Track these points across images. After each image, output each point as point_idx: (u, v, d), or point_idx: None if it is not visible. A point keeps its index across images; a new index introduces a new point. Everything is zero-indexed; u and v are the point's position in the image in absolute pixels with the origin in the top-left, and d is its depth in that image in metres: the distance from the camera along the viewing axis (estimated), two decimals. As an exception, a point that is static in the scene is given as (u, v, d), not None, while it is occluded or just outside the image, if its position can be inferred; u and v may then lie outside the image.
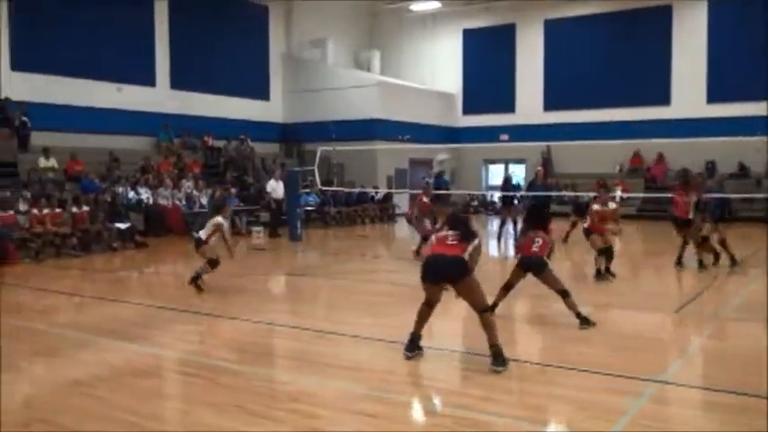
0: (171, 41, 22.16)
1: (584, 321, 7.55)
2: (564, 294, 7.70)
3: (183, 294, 10.16)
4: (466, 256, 6.30)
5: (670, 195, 12.88)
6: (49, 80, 18.69)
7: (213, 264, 9.86)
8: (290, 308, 9.41)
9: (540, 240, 7.81)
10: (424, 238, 13.06)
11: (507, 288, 8.13)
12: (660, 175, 24.33)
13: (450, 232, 6.46)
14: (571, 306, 7.66)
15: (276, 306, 9.62)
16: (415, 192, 20.04)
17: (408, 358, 6.33)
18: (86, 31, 19.60)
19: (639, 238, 18.39)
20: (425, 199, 13.59)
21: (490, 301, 7.76)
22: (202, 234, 10.12)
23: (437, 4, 28.40)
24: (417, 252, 12.53)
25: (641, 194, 23.02)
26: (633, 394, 5.37)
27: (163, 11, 21.99)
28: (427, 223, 13.42)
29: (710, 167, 23.95)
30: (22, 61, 18.09)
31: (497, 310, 7.83)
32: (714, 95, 23.88)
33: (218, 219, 10.12)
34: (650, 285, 11.67)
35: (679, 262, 12.29)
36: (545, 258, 7.76)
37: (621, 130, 23.62)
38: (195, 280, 9.84)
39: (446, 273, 6.27)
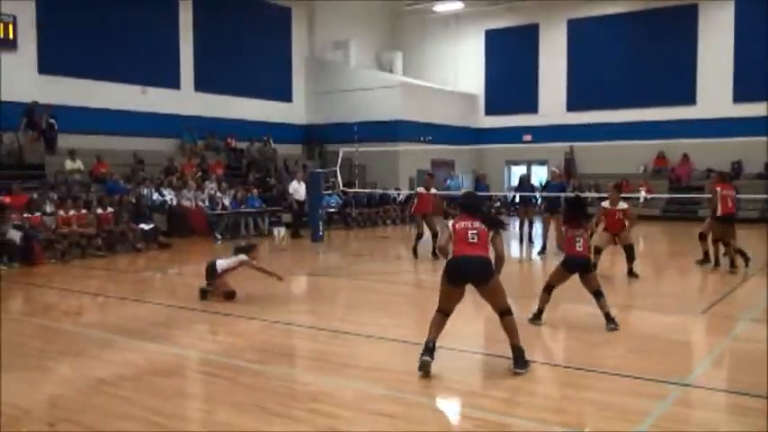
0: (195, 44, 22.36)
1: (612, 322, 7.46)
2: (598, 295, 7.60)
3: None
4: (491, 252, 6.10)
5: (711, 191, 12.10)
6: (76, 83, 18.94)
7: (230, 296, 9.29)
8: (311, 308, 9.43)
9: (581, 239, 7.68)
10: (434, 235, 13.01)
11: (549, 290, 7.88)
12: (685, 175, 24.05)
13: (471, 224, 6.12)
14: (603, 306, 7.56)
15: (297, 306, 9.65)
16: (437, 193, 20.02)
17: (425, 364, 5.82)
18: (112, 34, 19.84)
19: (664, 239, 18.20)
20: (421, 190, 13.51)
21: (533, 307, 7.78)
22: (221, 265, 9.47)
23: (460, 5, 28.33)
24: (434, 252, 12.29)
25: (666, 195, 22.77)
26: (657, 397, 5.31)
27: (187, 14, 22.19)
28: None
29: (736, 168, 23.65)
30: (48, 65, 18.36)
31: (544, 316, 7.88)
32: (740, 95, 23.55)
33: (245, 257, 9.55)
34: (675, 287, 11.54)
35: (717, 263, 11.82)
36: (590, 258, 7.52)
37: (646, 131, 23.39)
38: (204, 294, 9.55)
39: (471, 275, 6.05)
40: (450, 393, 5.64)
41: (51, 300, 10.34)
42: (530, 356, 6.09)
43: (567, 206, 8.60)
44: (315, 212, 17.70)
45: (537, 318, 7.86)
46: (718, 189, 11.68)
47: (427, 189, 14.15)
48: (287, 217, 19.27)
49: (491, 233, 6.17)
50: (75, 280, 11.82)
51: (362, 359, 6.52)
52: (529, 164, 28.25)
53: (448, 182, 25.08)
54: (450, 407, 5.41)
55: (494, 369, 6.26)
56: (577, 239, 7.69)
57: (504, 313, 6.14)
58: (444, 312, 6.24)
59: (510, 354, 6.02)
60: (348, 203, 21.97)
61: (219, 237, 17.43)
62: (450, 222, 6.39)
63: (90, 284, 11.56)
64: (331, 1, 26.72)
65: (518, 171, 28.97)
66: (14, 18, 17.54)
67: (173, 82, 21.85)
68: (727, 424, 4.91)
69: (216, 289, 9.40)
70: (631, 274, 11.02)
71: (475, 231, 6.10)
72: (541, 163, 27.79)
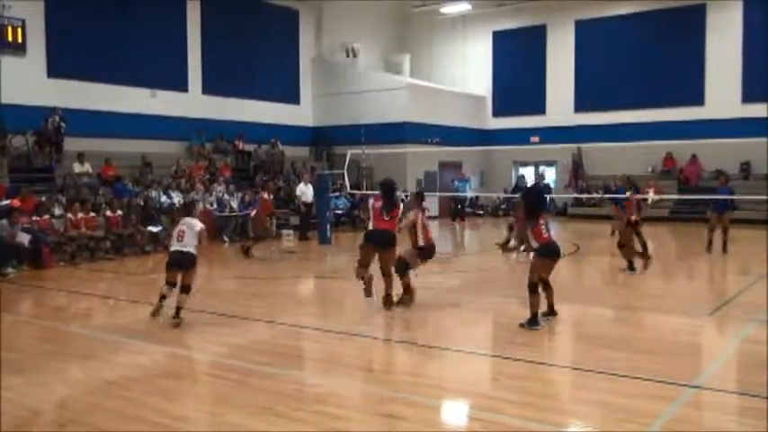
0: (203, 47, 22.40)
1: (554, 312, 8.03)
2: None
3: (213, 297, 10.28)
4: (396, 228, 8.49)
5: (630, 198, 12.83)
6: (84, 86, 19.00)
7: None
8: (319, 310, 9.44)
9: (545, 227, 7.81)
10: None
11: (535, 288, 7.79)
12: (694, 176, 23.94)
13: (382, 204, 8.76)
14: (550, 296, 7.98)
15: (304, 308, 9.66)
16: (446, 194, 20.08)
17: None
18: (120, 37, 19.90)
19: (673, 240, 18.11)
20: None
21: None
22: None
23: (467, 7, 28.29)
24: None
25: (674, 196, 22.67)
26: (667, 399, 5.29)
27: (195, 17, 22.24)
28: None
29: (745, 168, 23.54)
30: (57, 68, 18.43)
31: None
32: (749, 95, 23.40)
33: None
34: (683, 288, 11.50)
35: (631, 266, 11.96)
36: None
37: (653, 131, 23.27)
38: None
39: (379, 242, 8.61)
40: (458, 395, 5.63)
41: (60, 302, 10.39)
42: (537, 358, 6.07)
43: (527, 197, 8.33)
44: (323, 215, 17.71)
45: (534, 322, 7.63)
46: (630, 195, 12.73)
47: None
48: (295, 219, 19.28)
49: (401, 212, 8.68)
50: (83, 282, 11.86)
51: (370, 361, 6.52)
52: (537, 165, 28.20)
53: (456, 183, 25.07)
54: (458, 408, 5.40)
55: (501, 370, 6.25)
56: (544, 227, 7.76)
57: (385, 275, 8.70)
58: (365, 265, 8.77)
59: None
60: (356, 205, 21.97)
61: (227, 239, 17.46)
62: (371, 202, 9.01)
63: (99, 287, 11.61)
64: (339, 2, 26.74)
65: (526, 172, 29.00)
66: (23, 22, 17.62)
67: (181, 85, 21.90)
68: (738, 426, 4.88)
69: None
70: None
71: (389, 212, 8.63)
72: (549, 164, 27.73)
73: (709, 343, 7.54)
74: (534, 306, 7.63)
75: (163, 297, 8.30)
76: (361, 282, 8.81)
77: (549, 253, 7.79)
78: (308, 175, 19.49)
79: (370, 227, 9.00)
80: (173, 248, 8.42)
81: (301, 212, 18.59)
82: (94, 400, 5.48)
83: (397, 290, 8.95)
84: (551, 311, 8.00)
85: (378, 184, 9.84)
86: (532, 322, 7.60)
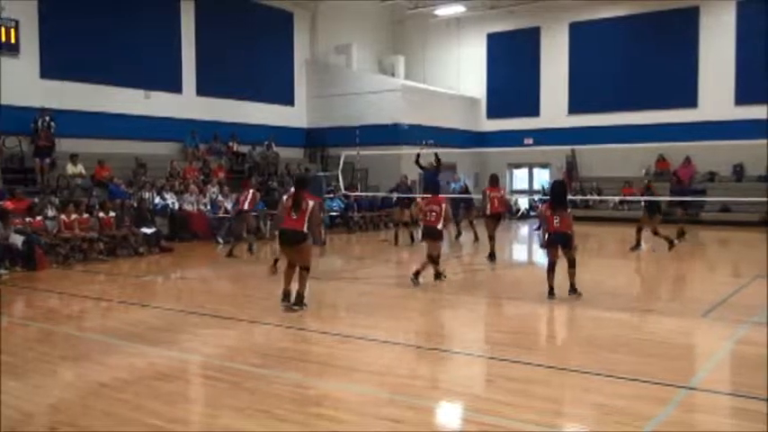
0: (197, 48, 22.36)
1: (574, 291, 9.35)
2: (572, 264, 9.34)
3: (208, 299, 10.25)
4: (306, 225, 8.50)
5: (482, 193, 14.53)
6: (78, 87, 18.93)
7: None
8: (314, 312, 9.41)
9: (558, 218, 9.20)
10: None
11: (552, 267, 9.43)
12: (687, 178, 24.01)
13: (293, 201, 8.71)
14: (571, 275, 9.33)
15: (299, 310, 9.63)
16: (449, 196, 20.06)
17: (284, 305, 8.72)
18: (114, 38, 19.84)
19: (666, 241, 18.10)
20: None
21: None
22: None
23: (461, 9, 28.33)
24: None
25: (667, 198, 22.70)
26: (660, 400, 5.30)
27: (189, 18, 22.20)
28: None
29: (739, 170, 23.64)
30: (50, 69, 18.35)
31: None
32: (742, 97, 23.50)
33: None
34: (677, 289, 11.53)
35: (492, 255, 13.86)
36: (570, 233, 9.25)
37: (647, 133, 23.32)
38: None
39: (288, 241, 8.75)
40: (455, 397, 5.63)
41: (53, 304, 10.34)
42: (533, 360, 6.07)
43: (554, 190, 9.75)
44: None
45: (572, 290, 9.40)
46: (488, 192, 14.08)
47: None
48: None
49: (310, 209, 8.57)
50: (77, 284, 11.81)
51: (367, 363, 6.50)
52: (531, 167, 28.24)
53: (452, 185, 25.06)
54: (455, 411, 5.40)
55: (497, 372, 6.25)
56: (556, 218, 9.22)
57: (303, 269, 8.78)
58: (291, 265, 8.88)
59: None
60: (350, 207, 21.96)
61: (221, 240, 17.43)
62: (284, 198, 9.19)
63: (92, 289, 11.55)
64: (333, 4, 26.74)
65: (520, 174, 29.07)
66: (17, 23, 17.55)
67: (175, 86, 21.85)
68: (731, 427, 4.90)
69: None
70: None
71: (296, 210, 8.58)
72: (543, 166, 27.79)
73: (703, 344, 7.55)
74: (550, 280, 9.44)
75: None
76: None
77: (551, 241, 9.37)
78: (302, 177, 19.43)
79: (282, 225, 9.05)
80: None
81: None
82: (87, 403, 5.45)
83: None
84: (572, 289, 9.41)
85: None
86: (549, 294, 9.41)
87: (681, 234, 16.56)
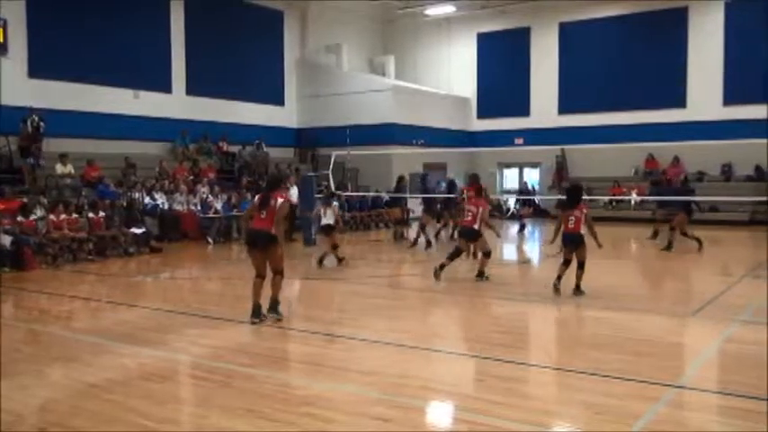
0: (187, 47, 22.27)
1: (579, 290, 9.59)
2: (581, 265, 9.64)
3: (198, 299, 10.23)
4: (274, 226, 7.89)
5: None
6: (66, 87, 18.82)
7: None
8: (304, 312, 9.41)
9: (573, 218, 9.64)
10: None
11: (567, 263, 9.75)
12: (675, 178, 24.12)
13: (261, 201, 8.11)
14: (578, 276, 9.60)
15: (289, 310, 9.62)
16: (429, 196, 20.11)
17: (254, 323, 7.92)
18: (103, 38, 19.75)
19: (654, 241, 18.19)
20: None
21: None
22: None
23: (452, 9, 28.34)
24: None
25: (656, 198, 22.81)
26: (650, 399, 5.32)
27: (179, 17, 22.11)
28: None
29: (727, 170, 23.77)
30: (39, 68, 18.24)
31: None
32: (730, 97, 23.64)
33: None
34: (667, 288, 11.59)
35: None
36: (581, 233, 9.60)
37: (637, 133, 23.42)
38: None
39: (257, 243, 8.04)
40: (445, 397, 5.64)
41: (43, 304, 10.29)
42: (522, 359, 6.08)
43: (570, 192, 10.16)
44: (307, 216, 17.65)
45: (577, 289, 9.69)
46: (464, 191, 14.37)
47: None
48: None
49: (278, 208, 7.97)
50: (66, 285, 11.76)
51: (357, 363, 6.50)
52: (521, 167, 28.31)
53: (443, 185, 25.08)
54: (445, 410, 5.41)
55: (487, 372, 6.26)
56: (570, 218, 9.66)
57: (276, 273, 8.13)
58: (259, 276, 8.16)
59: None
60: (340, 207, 21.91)
61: (212, 241, 17.38)
62: (256, 198, 8.50)
63: (82, 289, 11.51)
64: (323, 4, 26.71)
65: (510, 174, 29.13)
66: (5, 22, 17.43)
67: (164, 86, 21.76)
68: (720, 425, 4.93)
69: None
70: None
71: (264, 208, 7.98)
72: (533, 166, 27.85)
73: (693, 343, 7.60)
74: (560, 272, 9.79)
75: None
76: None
77: (563, 241, 9.83)
78: (292, 177, 19.43)
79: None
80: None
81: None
82: (77, 403, 5.43)
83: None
84: (577, 288, 9.67)
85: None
86: (555, 280, 9.75)
87: (656, 235, 17.39)
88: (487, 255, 11.26)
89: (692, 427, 4.90)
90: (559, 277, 9.70)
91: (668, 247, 15.03)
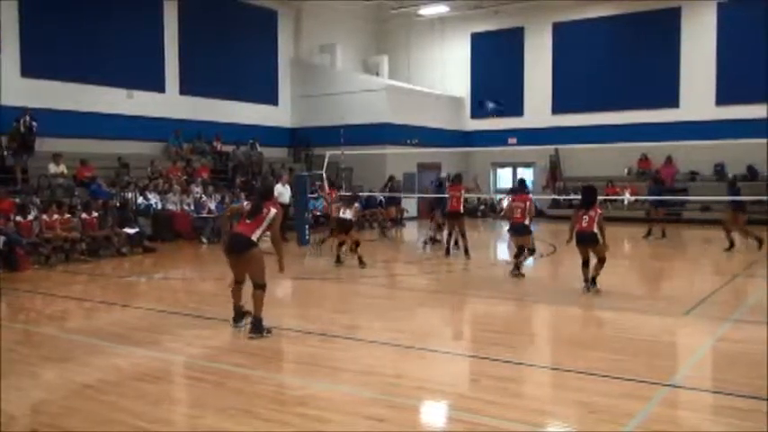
0: (180, 47, 22.23)
1: (593, 284, 9.72)
2: (601, 261, 9.77)
3: (191, 299, 10.21)
4: (258, 234, 7.49)
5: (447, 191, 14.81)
6: (59, 86, 18.77)
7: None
8: (299, 312, 9.41)
9: (587, 217, 9.75)
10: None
11: (586, 264, 9.89)
12: (669, 177, 24.21)
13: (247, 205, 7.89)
14: (595, 268, 9.75)
15: (284, 310, 9.60)
16: (425, 196, 20.18)
17: (237, 327, 7.73)
18: (96, 37, 19.69)
19: (645, 240, 18.26)
20: None
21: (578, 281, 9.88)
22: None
23: (445, 9, 28.37)
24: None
25: (650, 197, 22.88)
26: (643, 398, 5.34)
27: (172, 16, 22.07)
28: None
29: (719, 170, 23.85)
30: (32, 67, 18.18)
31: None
32: (723, 97, 23.74)
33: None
34: (660, 288, 11.63)
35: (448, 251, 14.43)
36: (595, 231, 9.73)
37: (630, 133, 23.49)
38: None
39: (235, 248, 7.58)
40: (440, 396, 5.64)
41: (35, 305, 10.25)
42: (517, 358, 6.09)
43: (584, 192, 10.22)
44: (301, 216, 17.65)
45: (592, 283, 9.83)
46: (448, 190, 14.53)
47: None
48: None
49: (268, 217, 7.55)
50: (59, 285, 11.72)
51: (352, 363, 6.50)
52: (515, 166, 28.36)
53: (435, 185, 25.08)
54: (440, 410, 5.41)
55: (482, 371, 6.27)
56: (584, 218, 9.79)
57: (257, 287, 7.49)
58: (237, 281, 7.83)
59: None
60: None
61: (205, 241, 17.35)
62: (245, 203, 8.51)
63: (74, 289, 11.47)
64: (317, 4, 26.69)
65: (504, 173, 29.17)
66: (-3, 21, 17.39)
67: (158, 85, 21.72)
68: (712, 424, 4.94)
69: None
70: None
71: (253, 216, 7.58)
72: (527, 165, 27.90)
73: (685, 342, 7.62)
74: (584, 274, 9.92)
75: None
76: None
77: (576, 240, 9.92)
78: (285, 176, 19.40)
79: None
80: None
81: None
82: (70, 404, 5.41)
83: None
84: (592, 282, 9.80)
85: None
86: (585, 287, 9.90)
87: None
88: (530, 251, 11.62)
89: (685, 425, 4.92)
90: (586, 279, 9.86)
91: (730, 247, 14.85)
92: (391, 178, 20.62)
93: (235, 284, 7.89)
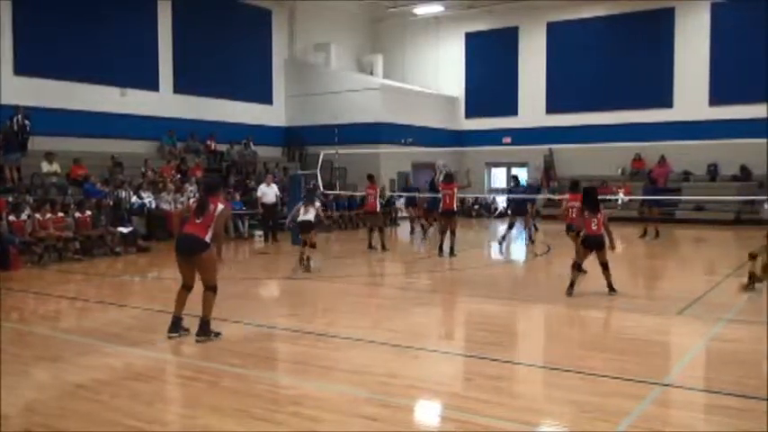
0: (174, 46, 22.19)
1: (612, 290, 9.54)
2: (605, 266, 9.61)
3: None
4: (210, 234, 7.07)
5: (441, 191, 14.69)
6: (53, 84, 18.71)
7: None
8: (292, 311, 9.40)
9: (595, 221, 9.52)
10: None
11: (578, 267, 9.68)
12: (662, 177, 24.26)
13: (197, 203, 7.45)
14: (607, 276, 9.59)
15: (277, 310, 9.62)
16: (420, 195, 20.19)
17: (171, 338, 7.26)
18: (90, 35, 19.64)
19: (640, 240, 18.32)
20: None
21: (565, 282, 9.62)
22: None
23: (440, 8, 28.40)
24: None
25: (643, 197, 22.93)
26: (636, 397, 5.36)
27: (166, 15, 22.02)
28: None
29: (713, 170, 23.94)
30: (25, 66, 18.12)
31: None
32: (716, 97, 23.84)
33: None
34: (653, 287, 11.66)
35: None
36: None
37: (624, 133, 23.59)
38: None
39: (184, 250, 7.23)
40: (433, 395, 5.65)
41: (28, 304, 10.22)
42: (511, 358, 6.10)
43: (586, 196, 10.06)
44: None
45: (570, 288, 9.55)
46: (441, 189, 14.48)
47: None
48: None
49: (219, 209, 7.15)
50: (52, 284, 11.68)
51: (345, 362, 6.51)
52: (509, 166, 28.40)
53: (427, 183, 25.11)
54: (433, 409, 5.42)
55: (475, 370, 6.28)
56: (593, 221, 9.55)
57: (208, 289, 7.19)
58: (185, 287, 7.40)
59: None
60: (329, 206, 21.90)
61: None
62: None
63: (68, 289, 11.43)
64: (312, 3, 26.67)
65: (498, 173, 29.21)
66: (-10, 19, 17.33)
67: (152, 84, 21.67)
68: (705, 423, 4.97)
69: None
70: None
71: (201, 215, 7.15)
72: (521, 165, 27.94)
73: (678, 342, 7.65)
74: (572, 278, 9.60)
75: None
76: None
77: (587, 244, 9.62)
78: (270, 177, 19.25)
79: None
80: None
81: (261, 214, 18.37)
82: (64, 404, 5.39)
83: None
84: (610, 289, 9.62)
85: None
86: (568, 289, 9.57)
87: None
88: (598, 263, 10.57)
89: (677, 424, 4.94)
90: (572, 283, 9.61)
91: None
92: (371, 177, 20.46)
93: (182, 289, 7.42)
